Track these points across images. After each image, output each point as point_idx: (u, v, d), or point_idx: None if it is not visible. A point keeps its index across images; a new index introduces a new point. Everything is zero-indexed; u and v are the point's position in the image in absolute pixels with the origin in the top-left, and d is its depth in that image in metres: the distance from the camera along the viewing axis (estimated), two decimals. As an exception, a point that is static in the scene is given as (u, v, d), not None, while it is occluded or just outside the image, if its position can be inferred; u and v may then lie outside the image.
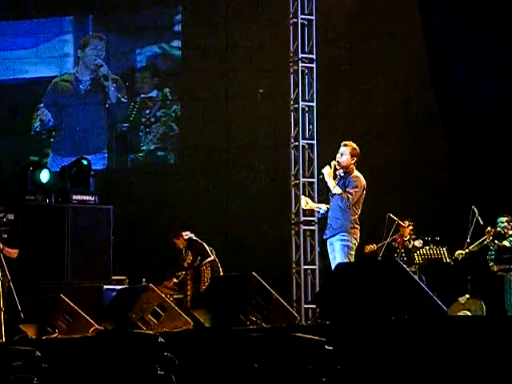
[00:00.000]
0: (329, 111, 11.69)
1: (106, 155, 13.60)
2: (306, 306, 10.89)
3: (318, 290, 10.30)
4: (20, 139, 13.74)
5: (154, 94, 13.72)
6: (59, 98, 13.81)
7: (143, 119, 13.71)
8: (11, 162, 13.25)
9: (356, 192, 7.10)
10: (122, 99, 13.68)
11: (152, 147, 13.77)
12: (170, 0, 13.51)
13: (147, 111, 13.70)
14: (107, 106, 13.66)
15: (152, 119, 13.71)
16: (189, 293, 10.18)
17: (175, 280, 10.29)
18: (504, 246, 9.24)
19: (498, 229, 9.36)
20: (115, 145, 13.66)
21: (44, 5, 13.68)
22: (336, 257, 7.12)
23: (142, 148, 13.72)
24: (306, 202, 7.68)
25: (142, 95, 13.71)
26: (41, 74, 13.81)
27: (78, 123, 13.69)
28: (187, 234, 10.37)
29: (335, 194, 7.15)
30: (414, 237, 9.83)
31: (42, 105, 13.77)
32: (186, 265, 10.27)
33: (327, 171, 7.20)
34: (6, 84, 13.80)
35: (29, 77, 13.83)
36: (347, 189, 7.12)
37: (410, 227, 9.84)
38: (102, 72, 13.72)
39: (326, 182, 7.24)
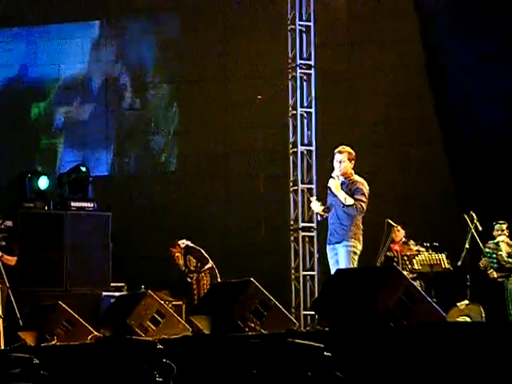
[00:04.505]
0: (327, 117, 11.70)
1: (112, 154, 13.66)
2: (305, 312, 10.88)
3: (316, 296, 10.29)
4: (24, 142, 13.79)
5: (153, 100, 13.78)
6: (70, 96, 13.86)
7: (145, 121, 13.77)
8: (11, 168, 13.26)
9: (366, 198, 7.13)
10: (136, 101, 13.73)
11: (152, 153, 13.79)
12: (167, 8, 13.53)
13: (148, 115, 13.76)
14: (123, 108, 13.73)
15: (152, 123, 13.76)
16: (195, 297, 10.21)
17: (189, 280, 10.40)
18: (506, 257, 9.34)
19: (494, 232, 9.50)
20: (118, 146, 13.73)
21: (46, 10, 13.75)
22: (340, 262, 7.11)
23: (143, 150, 13.77)
24: (317, 205, 7.33)
25: (141, 99, 13.80)
26: (47, 75, 13.91)
27: (85, 121, 13.77)
28: (183, 242, 10.43)
29: (347, 205, 7.12)
30: (405, 240, 9.86)
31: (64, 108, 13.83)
32: (192, 268, 10.34)
33: (334, 184, 7.17)
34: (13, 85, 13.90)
35: (34, 76, 13.92)
36: (356, 196, 7.12)
37: (402, 232, 9.85)
38: (118, 73, 13.78)
39: (333, 194, 7.21)
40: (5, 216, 9.54)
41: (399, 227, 9.69)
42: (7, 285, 8.96)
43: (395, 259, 9.70)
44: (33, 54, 13.95)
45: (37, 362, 5.54)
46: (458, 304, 9.33)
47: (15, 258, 9.42)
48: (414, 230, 10.12)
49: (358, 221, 7.17)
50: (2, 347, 8.08)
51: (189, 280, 10.49)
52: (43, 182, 10.47)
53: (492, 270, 9.48)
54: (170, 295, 10.50)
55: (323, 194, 7.67)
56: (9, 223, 9.44)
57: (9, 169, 13.34)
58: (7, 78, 14.01)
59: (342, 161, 7.20)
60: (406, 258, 9.64)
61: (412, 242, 9.90)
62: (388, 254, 9.71)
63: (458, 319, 8.98)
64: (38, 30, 13.82)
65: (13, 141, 13.73)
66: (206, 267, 10.36)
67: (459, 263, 9.38)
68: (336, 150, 7.28)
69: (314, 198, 7.60)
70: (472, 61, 11.38)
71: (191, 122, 13.41)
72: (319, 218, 7.51)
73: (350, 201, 7.10)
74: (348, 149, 7.28)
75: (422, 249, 9.69)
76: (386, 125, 12.16)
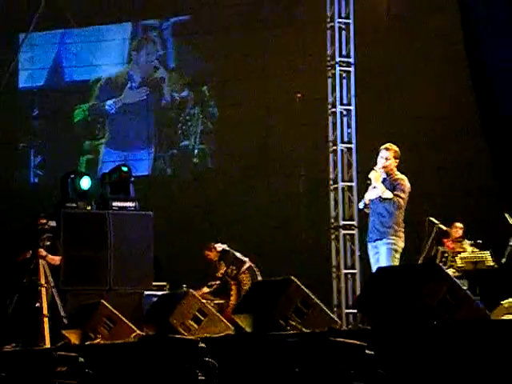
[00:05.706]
0: (367, 115, 11.63)
1: (152, 154, 13.77)
2: (347, 310, 10.84)
3: (358, 294, 10.24)
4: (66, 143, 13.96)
5: (192, 97, 13.87)
6: (114, 93, 14.03)
7: (183, 121, 13.85)
8: (54, 169, 13.44)
9: (406, 195, 7.10)
10: (177, 97, 13.85)
11: (191, 153, 13.87)
12: (204, 6, 13.57)
13: (187, 114, 13.84)
14: (163, 104, 13.84)
15: (191, 122, 13.84)
16: (232, 303, 10.21)
17: (207, 289, 10.34)
18: None
19: None
20: (159, 144, 13.84)
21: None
22: (381, 260, 7.08)
23: (183, 150, 13.85)
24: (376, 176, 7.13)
25: (179, 98, 13.89)
26: (88, 77, 14.09)
27: (126, 121, 13.92)
28: (220, 246, 10.44)
29: (384, 198, 7.09)
30: (460, 238, 9.79)
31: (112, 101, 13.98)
32: (219, 275, 10.34)
33: (374, 176, 7.17)
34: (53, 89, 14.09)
35: (75, 78, 14.10)
36: (396, 192, 7.11)
37: (460, 230, 9.79)
38: (159, 74, 13.92)
39: (373, 187, 7.18)
40: (49, 216, 9.65)
41: (457, 224, 9.67)
42: (51, 284, 9.08)
43: (445, 255, 9.64)
44: (73, 56, 14.13)
45: (82, 360, 5.61)
46: (503, 302, 9.19)
47: (59, 257, 9.54)
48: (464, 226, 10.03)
49: (399, 218, 7.14)
50: (48, 346, 8.21)
51: (206, 288, 10.38)
52: (85, 183, 10.56)
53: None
54: (210, 294, 10.54)
55: (364, 191, 7.62)
56: (52, 223, 9.55)
57: (52, 170, 13.54)
58: (49, 80, 14.21)
59: (388, 158, 7.24)
60: (452, 255, 9.57)
61: (466, 241, 9.81)
62: (440, 248, 9.66)
63: (503, 317, 8.86)
64: (78, 32, 13.99)
65: (56, 142, 13.93)
66: (244, 268, 10.36)
67: (503, 260, 9.25)
68: (383, 147, 7.31)
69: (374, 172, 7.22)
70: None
71: (230, 120, 13.45)
72: (361, 205, 7.42)
73: (388, 194, 7.09)
74: (395, 147, 7.31)
75: (466, 242, 9.62)
76: (426, 121, 12.04)
